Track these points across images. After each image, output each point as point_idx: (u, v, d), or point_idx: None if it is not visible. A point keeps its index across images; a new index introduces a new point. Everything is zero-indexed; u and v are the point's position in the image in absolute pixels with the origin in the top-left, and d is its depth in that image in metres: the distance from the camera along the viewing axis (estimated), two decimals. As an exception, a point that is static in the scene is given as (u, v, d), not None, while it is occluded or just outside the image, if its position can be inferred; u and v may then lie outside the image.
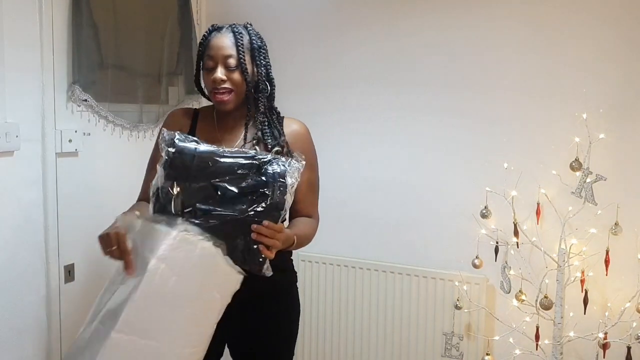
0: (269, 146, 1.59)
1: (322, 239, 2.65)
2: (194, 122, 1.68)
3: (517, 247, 2.22)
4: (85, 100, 2.19)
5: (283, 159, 1.40)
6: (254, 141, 1.61)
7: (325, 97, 2.59)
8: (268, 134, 1.62)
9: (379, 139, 2.52)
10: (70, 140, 2.15)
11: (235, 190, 1.34)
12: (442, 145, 2.41)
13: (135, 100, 2.43)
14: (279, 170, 1.37)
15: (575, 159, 2.12)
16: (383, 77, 2.50)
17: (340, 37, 2.57)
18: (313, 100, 2.61)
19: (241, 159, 1.37)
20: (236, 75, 1.57)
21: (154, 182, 1.38)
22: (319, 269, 2.61)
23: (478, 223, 2.29)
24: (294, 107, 2.65)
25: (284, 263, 1.68)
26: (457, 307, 2.31)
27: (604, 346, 2.07)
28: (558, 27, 2.20)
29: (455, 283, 2.34)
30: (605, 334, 2.07)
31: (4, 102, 1.93)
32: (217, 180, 1.34)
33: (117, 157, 2.38)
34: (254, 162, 1.37)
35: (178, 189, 1.34)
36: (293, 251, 1.66)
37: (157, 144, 1.55)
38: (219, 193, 1.34)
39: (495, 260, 2.24)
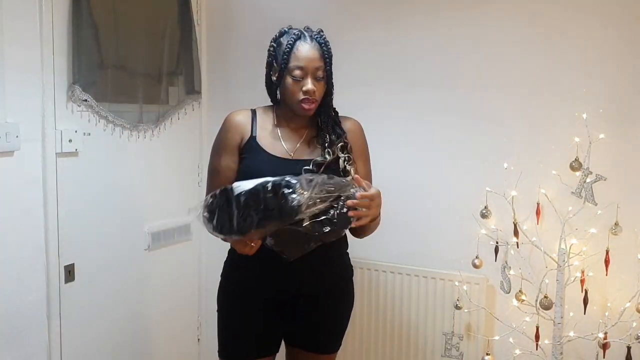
0: (334, 143, 1.73)
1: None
2: (253, 123, 1.77)
3: (517, 247, 2.22)
4: (85, 100, 2.19)
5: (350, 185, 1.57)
6: (316, 139, 1.75)
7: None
8: (332, 133, 1.75)
9: (377, 139, 2.50)
10: (70, 140, 2.15)
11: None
12: (442, 145, 2.41)
13: (135, 100, 2.43)
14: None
15: (575, 159, 2.12)
16: (382, 78, 2.50)
17: (341, 38, 2.56)
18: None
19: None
20: (321, 86, 1.72)
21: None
22: (319, 269, 2.61)
23: (478, 223, 2.29)
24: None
25: (345, 259, 1.90)
26: (457, 307, 2.31)
27: (604, 346, 2.07)
28: (558, 27, 2.20)
29: (455, 283, 2.34)
30: (605, 334, 2.07)
31: (4, 102, 1.93)
32: None
33: (117, 157, 2.38)
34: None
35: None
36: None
37: (225, 131, 1.76)
38: None
39: (495, 260, 2.24)
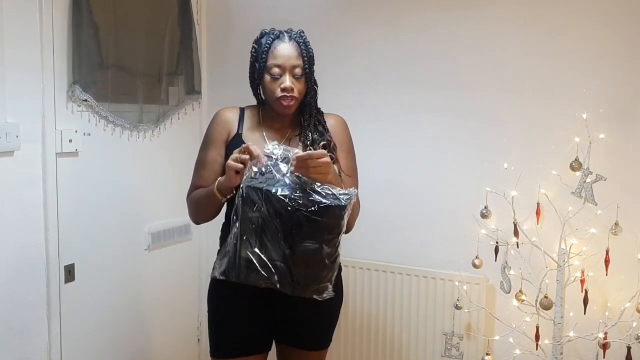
0: (317, 142, 1.74)
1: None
2: (240, 120, 1.81)
3: (517, 247, 2.22)
4: (86, 100, 2.19)
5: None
6: (299, 137, 1.76)
7: (323, 97, 2.58)
8: (314, 132, 1.77)
9: (377, 139, 2.52)
10: (70, 140, 2.15)
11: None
12: (442, 145, 2.41)
13: (135, 100, 2.43)
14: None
15: (575, 159, 2.12)
16: (382, 78, 2.50)
17: (340, 38, 2.57)
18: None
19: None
20: (301, 84, 1.73)
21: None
22: (319, 269, 2.61)
23: (478, 223, 2.29)
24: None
25: None
26: (457, 307, 2.31)
27: (604, 346, 2.07)
28: (558, 27, 2.20)
29: (455, 283, 2.34)
30: (605, 334, 2.07)
31: (4, 102, 1.93)
32: None
33: (117, 157, 2.38)
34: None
35: None
36: None
37: (214, 126, 1.78)
38: None
39: (495, 260, 2.24)
